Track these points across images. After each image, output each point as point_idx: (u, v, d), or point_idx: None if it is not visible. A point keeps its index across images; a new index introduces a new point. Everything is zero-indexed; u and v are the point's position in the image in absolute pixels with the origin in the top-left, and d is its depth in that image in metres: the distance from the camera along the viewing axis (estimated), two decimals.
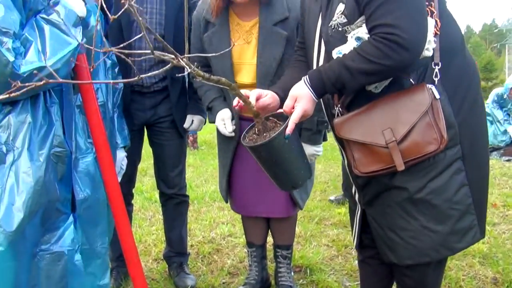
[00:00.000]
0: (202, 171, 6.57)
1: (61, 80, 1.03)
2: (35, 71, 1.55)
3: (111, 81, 2.03)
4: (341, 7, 1.67)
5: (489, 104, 7.92)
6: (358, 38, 1.62)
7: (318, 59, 1.85)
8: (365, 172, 1.67)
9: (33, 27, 1.66)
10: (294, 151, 1.72)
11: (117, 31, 2.60)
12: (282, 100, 1.83)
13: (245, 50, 2.43)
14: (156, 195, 3.89)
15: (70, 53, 1.70)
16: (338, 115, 1.75)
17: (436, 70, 1.62)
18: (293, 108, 1.68)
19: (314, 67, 1.86)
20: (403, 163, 1.58)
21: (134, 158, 2.81)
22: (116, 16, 1.12)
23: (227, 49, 2.04)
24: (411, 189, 1.64)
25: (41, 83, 0.90)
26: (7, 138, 1.67)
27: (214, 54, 1.77)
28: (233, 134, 2.46)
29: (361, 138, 1.66)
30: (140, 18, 1.13)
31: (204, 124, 2.97)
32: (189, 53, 2.68)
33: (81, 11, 1.82)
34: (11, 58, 1.52)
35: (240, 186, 2.61)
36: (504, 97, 7.86)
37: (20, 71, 1.55)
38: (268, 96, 1.84)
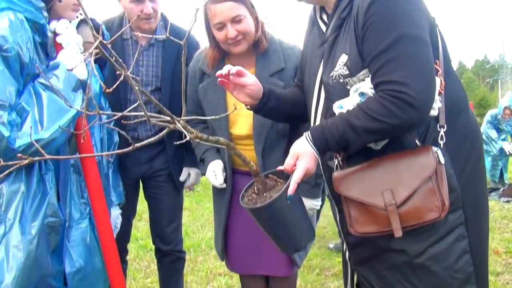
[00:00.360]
0: (198, 215, 6.45)
1: (48, 156, 0.98)
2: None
3: (104, 153, 1.97)
4: (343, 58, 1.63)
5: (484, 126, 8.01)
6: (361, 94, 1.57)
7: (317, 106, 1.80)
8: (361, 232, 1.60)
9: (31, 94, 1.60)
10: (297, 212, 1.65)
11: (112, 84, 2.57)
12: (264, 93, 1.88)
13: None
14: (151, 243, 3.80)
15: (68, 121, 1.65)
16: (337, 168, 1.69)
17: (442, 132, 1.57)
18: (295, 166, 1.62)
19: (312, 114, 1.82)
20: (401, 228, 1.51)
21: (129, 213, 2.74)
22: (110, 90, 1.11)
23: (224, 114, 2.02)
24: (411, 252, 1.57)
25: (25, 161, 0.85)
26: None
27: (213, 117, 1.72)
28: (224, 185, 2.39)
29: (360, 196, 1.59)
30: (136, 88, 1.11)
31: (201, 177, 2.90)
32: (186, 106, 2.71)
33: (82, 74, 1.77)
34: (6, 133, 1.47)
35: (237, 244, 2.51)
36: (498, 117, 7.97)
37: (15, 145, 1.50)
38: (252, 78, 1.82)
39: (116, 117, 1.15)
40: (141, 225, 5.63)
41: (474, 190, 1.64)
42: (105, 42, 0.95)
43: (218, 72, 1.80)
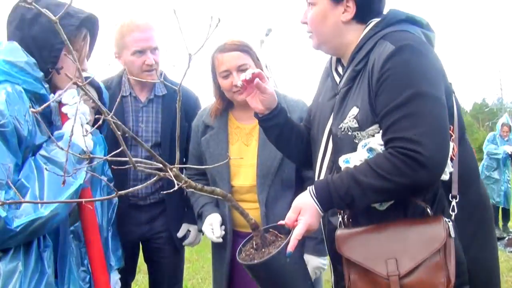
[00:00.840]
0: (198, 267, 6.26)
1: None
2: None
3: (103, 197, 1.90)
4: (354, 110, 1.58)
5: (484, 147, 8.30)
6: (370, 149, 1.52)
7: (323, 157, 1.75)
8: None
9: (31, 168, 1.54)
10: (297, 272, 1.56)
11: (111, 140, 2.54)
12: (277, 106, 1.85)
13: (244, 152, 2.40)
14: None
15: (71, 195, 1.58)
16: (340, 226, 1.62)
17: (454, 203, 1.50)
18: (296, 221, 1.53)
19: (318, 165, 1.77)
20: None
21: (127, 277, 2.64)
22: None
23: (223, 161, 2.08)
24: None
25: None
26: None
27: (213, 166, 1.67)
28: (220, 240, 2.31)
29: (363, 261, 1.50)
30: (119, 132, 1.09)
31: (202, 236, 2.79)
32: (185, 163, 2.70)
33: (88, 145, 1.73)
34: (2, 213, 1.40)
35: None
36: (497, 136, 8.17)
37: (12, 226, 1.41)
38: (269, 89, 1.80)
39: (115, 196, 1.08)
40: (140, 278, 5.47)
41: (484, 267, 1.57)
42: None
43: (242, 76, 1.80)
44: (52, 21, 0.91)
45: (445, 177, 1.46)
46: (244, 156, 2.38)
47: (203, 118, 2.50)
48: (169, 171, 1.20)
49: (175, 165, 1.24)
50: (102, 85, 2.12)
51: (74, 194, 1.60)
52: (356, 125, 1.57)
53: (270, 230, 1.64)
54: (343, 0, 1.64)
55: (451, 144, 1.50)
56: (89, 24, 1.83)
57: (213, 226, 2.32)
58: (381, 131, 1.50)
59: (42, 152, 1.61)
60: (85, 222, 1.79)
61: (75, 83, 1.07)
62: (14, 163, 1.51)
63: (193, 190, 1.30)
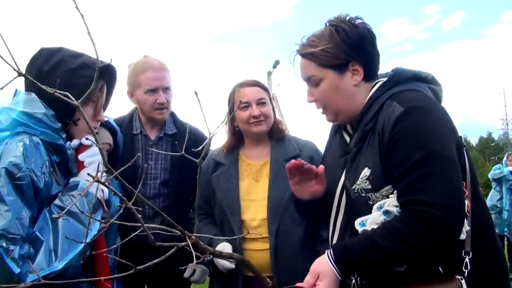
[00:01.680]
0: None
1: None
2: None
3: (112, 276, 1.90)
4: (366, 171, 1.58)
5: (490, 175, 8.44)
6: (386, 212, 1.51)
7: (336, 217, 1.75)
8: None
9: (46, 220, 1.55)
10: None
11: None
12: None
13: (254, 188, 2.45)
14: None
15: (85, 247, 1.59)
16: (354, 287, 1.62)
17: (467, 259, 1.48)
18: (315, 286, 1.51)
19: (331, 224, 1.76)
20: None
21: None
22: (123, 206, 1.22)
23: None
24: None
25: None
26: None
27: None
28: (233, 266, 2.30)
29: None
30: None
31: (208, 276, 2.77)
32: (193, 202, 2.74)
33: (104, 193, 1.74)
34: (16, 269, 1.41)
35: None
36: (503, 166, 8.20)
37: (26, 281, 1.41)
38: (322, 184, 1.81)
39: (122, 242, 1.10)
40: None
41: None
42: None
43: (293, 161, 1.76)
44: (74, 105, 0.93)
45: (462, 236, 1.46)
46: (254, 191, 2.45)
47: (214, 156, 2.58)
48: (188, 239, 1.21)
49: (194, 234, 1.24)
50: (117, 128, 2.15)
51: (89, 245, 1.60)
52: (370, 187, 1.57)
53: None
54: (348, 66, 1.66)
55: (466, 202, 1.48)
56: (106, 75, 1.86)
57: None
58: (395, 192, 1.50)
59: (57, 202, 1.62)
60: (97, 267, 1.80)
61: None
62: (29, 216, 1.52)
63: (211, 256, 1.35)
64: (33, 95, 1.68)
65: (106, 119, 1.98)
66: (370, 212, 1.55)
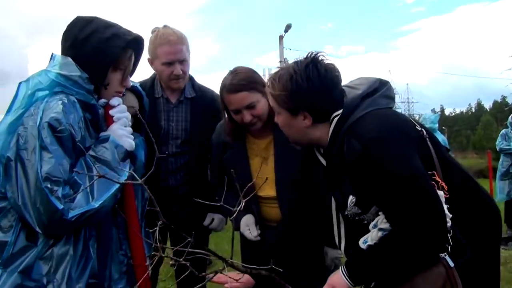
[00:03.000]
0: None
1: None
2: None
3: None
4: (352, 199, 1.80)
5: (497, 144, 8.35)
6: (381, 229, 1.73)
7: (339, 228, 2.02)
8: None
9: (83, 167, 1.78)
10: None
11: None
12: None
13: (264, 167, 2.57)
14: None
15: (117, 190, 1.83)
16: None
17: (448, 237, 1.67)
18: None
19: (335, 228, 2.03)
20: None
21: (155, 264, 2.90)
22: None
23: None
24: None
25: None
26: (48, 270, 1.74)
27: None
28: (258, 238, 2.51)
29: None
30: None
31: (226, 224, 3.06)
32: (211, 172, 2.96)
33: (130, 145, 1.97)
34: (59, 206, 1.65)
35: None
36: (509, 132, 8.23)
37: (68, 216, 1.66)
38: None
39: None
40: (165, 269, 5.69)
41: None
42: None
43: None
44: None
45: (448, 224, 1.65)
46: (264, 169, 2.56)
47: (223, 137, 2.68)
48: (225, 265, 1.46)
49: (231, 259, 1.49)
50: (143, 92, 2.36)
51: (119, 188, 1.85)
52: (359, 211, 1.80)
53: None
54: (299, 111, 1.85)
55: (441, 192, 1.68)
56: (134, 45, 2.06)
57: (250, 227, 2.53)
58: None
59: (91, 152, 1.85)
60: (127, 211, 2.03)
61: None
62: (69, 163, 1.75)
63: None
64: (69, 59, 1.89)
65: (131, 84, 2.18)
66: (367, 228, 1.78)
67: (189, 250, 1.48)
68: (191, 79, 3.07)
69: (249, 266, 1.63)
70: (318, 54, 1.85)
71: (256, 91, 2.42)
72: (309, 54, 1.87)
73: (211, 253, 1.53)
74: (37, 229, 1.69)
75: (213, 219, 3.02)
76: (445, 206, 1.64)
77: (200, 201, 1.82)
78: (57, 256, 1.76)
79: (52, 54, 1.97)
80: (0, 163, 1.78)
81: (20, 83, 1.91)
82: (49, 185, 1.65)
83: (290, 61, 1.97)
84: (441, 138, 7.41)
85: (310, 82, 1.81)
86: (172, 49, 2.81)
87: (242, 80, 2.42)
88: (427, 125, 7.29)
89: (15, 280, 1.71)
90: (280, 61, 23.22)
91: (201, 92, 3.07)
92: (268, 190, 2.54)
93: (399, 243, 1.66)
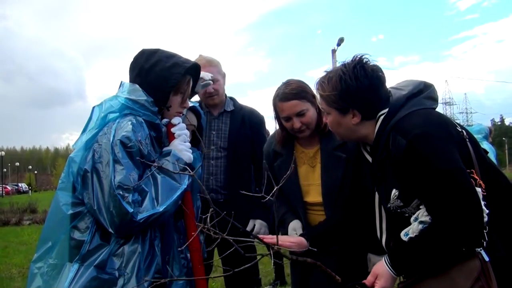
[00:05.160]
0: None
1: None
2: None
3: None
4: (395, 192, 1.92)
5: None
6: (421, 222, 1.84)
7: (381, 223, 2.15)
8: None
9: (149, 178, 2.07)
10: None
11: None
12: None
13: (311, 174, 2.76)
14: None
15: (178, 197, 2.10)
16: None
17: (484, 233, 1.72)
18: (374, 284, 1.93)
19: (378, 228, 2.17)
20: None
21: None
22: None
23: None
24: None
25: None
26: (120, 264, 2.00)
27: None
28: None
29: None
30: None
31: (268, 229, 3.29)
32: (249, 166, 3.41)
33: (189, 158, 2.25)
34: (130, 209, 1.92)
35: None
36: None
37: (137, 218, 1.94)
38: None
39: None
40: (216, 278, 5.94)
41: None
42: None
43: None
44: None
45: (485, 219, 1.73)
46: (312, 176, 2.75)
47: (273, 146, 2.89)
48: (271, 250, 1.73)
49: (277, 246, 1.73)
50: (201, 112, 2.67)
51: (181, 195, 2.13)
52: (401, 204, 1.91)
53: (356, 286, 2.02)
54: (348, 110, 1.99)
55: (479, 189, 1.75)
56: (192, 71, 2.38)
57: (296, 231, 2.70)
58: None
59: (155, 164, 2.12)
60: (186, 217, 2.30)
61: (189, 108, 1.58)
62: (137, 174, 2.05)
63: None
64: (136, 85, 2.20)
65: (191, 104, 2.49)
66: (408, 222, 1.90)
67: (236, 239, 1.81)
68: (232, 99, 3.61)
69: (295, 252, 1.81)
70: (363, 56, 2.01)
71: (306, 100, 2.62)
72: (355, 57, 2.00)
73: (258, 239, 1.77)
74: (110, 229, 1.95)
75: (254, 225, 3.30)
76: (482, 202, 1.72)
77: (245, 192, 2.14)
78: (128, 253, 2.02)
79: (122, 82, 2.30)
80: (78, 175, 2.07)
81: (93, 107, 2.24)
82: (121, 192, 1.93)
83: None
84: (488, 146, 7.09)
85: (359, 81, 1.94)
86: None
87: (294, 89, 2.63)
88: None
89: (91, 272, 1.98)
90: None
91: (241, 107, 3.61)
92: (315, 196, 2.72)
93: (438, 235, 1.74)
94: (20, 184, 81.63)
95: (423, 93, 1.98)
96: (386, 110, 1.95)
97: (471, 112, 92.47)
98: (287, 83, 2.70)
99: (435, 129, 1.81)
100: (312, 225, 2.74)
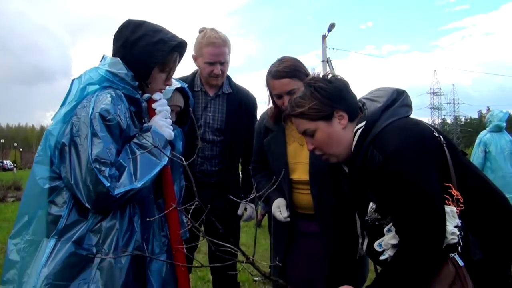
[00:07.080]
0: (250, 252, 6.69)
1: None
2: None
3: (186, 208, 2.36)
4: (372, 205, 1.94)
5: None
6: (395, 236, 1.87)
7: (362, 229, 2.17)
8: None
9: (127, 153, 2.03)
10: None
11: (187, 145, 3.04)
12: None
13: (300, 152, 2.75)
14: (209, 274, 4.09)
15: (157, 173, 2.07)
16: None
17: (459, 238, 1.77)
18: None
19: (359, 230, 2.18)
20: None
21: (190, 248, 3.12)
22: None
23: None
24: None
25: None
26: (97, 241, 1.97)
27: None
28: (288, 219, 2.68)
29: None
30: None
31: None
32: (247, 151, 3.27)
33: (169, 135, 2.22)
34: (106, 183, 1.88)
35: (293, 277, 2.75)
36: None
37: (114, 193, 1.90)
38: None
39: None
40: (200, 257, 5.93)
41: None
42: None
43: None
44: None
45: (453, 241, 1.76)
46: (300, 154, 2.74)
47: (264, 122, 2.89)
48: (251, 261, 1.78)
49: (253, 257, 1.78)
50: (190, 93, 2.63)
51: (159, 171, 2.09)
52: (379, 216, 1.94)
53: None
54: (333, 114, 1.98)
55: (453, 207, 1.79)
56: (179, 49, 2.31)
57: (280, 209, 2.71)
58: None
59: (135, 140, 2.09)
60: (166, 195, 2.28)
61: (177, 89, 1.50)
62: (116, 148, 2.00)
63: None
64: (118, 59, 2.14)
65: (179, 85, 2.49)
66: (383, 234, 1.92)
67: (218, 242, 1.80)
68: (228, 78, 3.41)
69: (266, 274, 1.83)
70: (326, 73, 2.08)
71: (298, 79, 2.58)
72: (315, 74, 2.10)
73: (237, 248, 1.82)
74: (87, 204, 1.91)
75: (245, 209, 3.26)
76: (456, 221, 1.75)
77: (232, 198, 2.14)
78: (105, 229, 1.99)
79: (104, 55, 2.23)
80: (56, 148, 2.02)
81: (73, 80, 2.18)
82: (98, 166, 1.89)
83: (333, 60, 2.14)
84: (509, 138, 6.98)
85: (331, 83, 2.00)
86: (216, 50, 3.14)
87: (287, 67, 2.60)
88: (494, 123, 6.96)
89: (69, 248, 1.94)
90: (323, 61, 23.06)
91: (237, 89, 3.42)
92: (301, 174, 2.71)
93: (404, 261, 1.78)
94: (5, 162, 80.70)
95: (396, 102, 2.00)
96: (363, 124, 1.95)
97: (458, 103, 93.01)
98: (281, 60, 2.68)
99: (411, 146, 1.82)
100: (297, 205, 2.74)
